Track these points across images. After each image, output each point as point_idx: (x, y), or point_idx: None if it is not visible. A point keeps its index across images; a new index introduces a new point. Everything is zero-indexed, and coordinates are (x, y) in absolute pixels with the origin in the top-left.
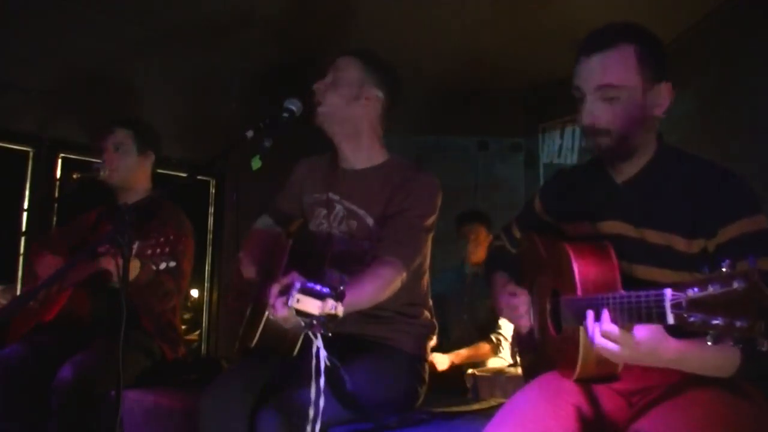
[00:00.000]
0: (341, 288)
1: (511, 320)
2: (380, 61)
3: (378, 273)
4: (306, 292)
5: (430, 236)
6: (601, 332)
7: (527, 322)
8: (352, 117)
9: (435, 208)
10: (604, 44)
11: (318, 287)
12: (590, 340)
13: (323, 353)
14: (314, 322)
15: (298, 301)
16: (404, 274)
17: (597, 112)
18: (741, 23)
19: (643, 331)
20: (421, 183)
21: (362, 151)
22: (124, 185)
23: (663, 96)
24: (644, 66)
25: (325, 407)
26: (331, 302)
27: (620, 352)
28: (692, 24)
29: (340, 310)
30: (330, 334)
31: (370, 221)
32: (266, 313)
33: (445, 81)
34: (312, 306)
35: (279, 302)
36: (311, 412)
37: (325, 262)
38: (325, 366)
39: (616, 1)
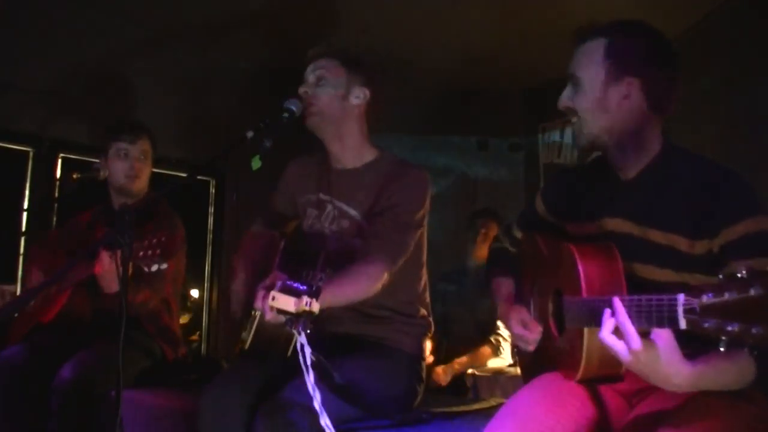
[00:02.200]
0: (318, 285)
1: (518, 346)
2: (360, 59)
3: (360, 270)
4: (285, 290)
5: (420, 232)
6: (615, 326)
7: (531, 347)
8: (342, 117)
9: (424, 203)
10: (582, 38)
11: (296, 285)
12: (600, 337)
13: (307, 349)
14: (293, 319)
15: (273, 299)
16: (388, 272)
17: (564, 96)
18: (742, 22)
19: (660, 337)
20: (410, 179)
21: (352, 150)
22: (138, 193)
23: (625, 91)
24: (610, 60)
25: (323, 403)
26: (305, 299)
27: (628, 353)
28: (692, 24)
29: (315, 307)
30: (308, 331)
31: (361, 220)
32: (257, 314)
33: (444, 80)
34: (287, 303)
35: (260, 301)
36: (316, 405)
37: (319, 262)
38: (312, 361)
39: (617, 0)
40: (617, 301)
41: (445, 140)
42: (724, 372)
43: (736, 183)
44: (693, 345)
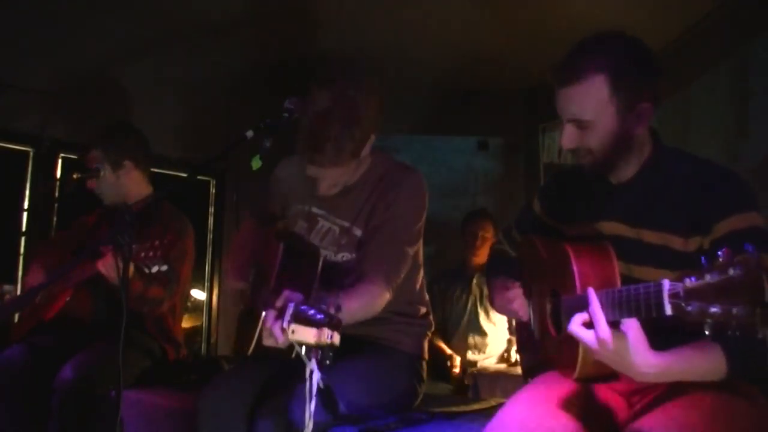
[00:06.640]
0: (337, 316)
1: (506, 314)
2: (367, 81)
3: (363, 292)
4: (300, 319)
5: (419, 240)
6: (586, 319)
7: (523, 311)
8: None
9: (422, 212)
10: (573, 78)
11: (312, 312)
12: (568, 330)
13: (317, 375)
14: (312, 350)
15: (293, 332)
16: (388, 294)
17: (572, 137)
18: (741, 23)
19: (630, 327)
20: (406, 187)
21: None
22: (117, 200)
23: (642, 116)
24: (618, 93)
25: (324, 405)
26: (327, 332)
27: (596, 342)
28: (692, 24)
29: (336, 339)
30: (327, 362)
31: (357, 232)
32: (261, 320)
33: (444, 80)
34: (308, 335)
35: (276, 329)
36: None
37: (317, 276)
38: (319, 387)
39: (617, 0)
40: (591, 292)
41: (445, 140)
42: (693, 364)
43: (730, 180)
44: (673, 338)
